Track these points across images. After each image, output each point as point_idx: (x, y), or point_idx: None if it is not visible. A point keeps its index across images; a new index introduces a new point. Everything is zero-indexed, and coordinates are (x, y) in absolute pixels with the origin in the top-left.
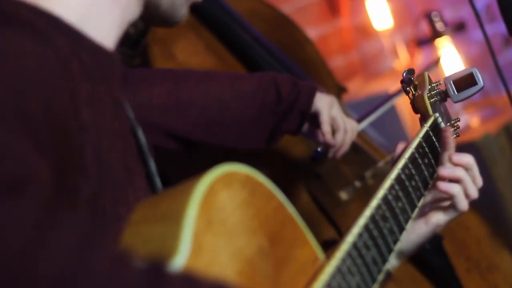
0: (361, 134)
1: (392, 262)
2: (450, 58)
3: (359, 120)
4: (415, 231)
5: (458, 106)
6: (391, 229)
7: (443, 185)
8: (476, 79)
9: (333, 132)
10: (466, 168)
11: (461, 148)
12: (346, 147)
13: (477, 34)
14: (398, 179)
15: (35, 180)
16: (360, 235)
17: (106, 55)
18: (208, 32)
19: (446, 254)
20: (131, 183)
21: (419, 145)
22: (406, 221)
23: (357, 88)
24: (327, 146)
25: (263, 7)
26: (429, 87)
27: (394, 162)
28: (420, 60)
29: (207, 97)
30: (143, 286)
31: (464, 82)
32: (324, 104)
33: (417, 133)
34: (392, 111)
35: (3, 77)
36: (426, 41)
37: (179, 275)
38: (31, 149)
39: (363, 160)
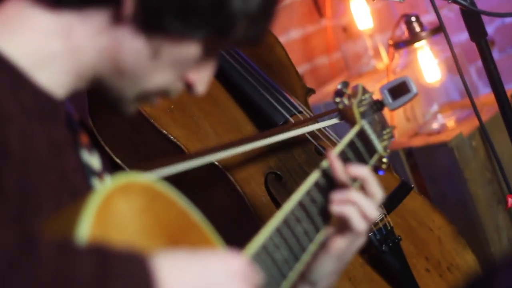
0: (326, 135)
1: None
2: (427, 61)
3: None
4: (319, 262)
5: (435, 107)
6: (305, 230)
7: (336, 208)
8: (409, 87)
9: None
10: (363, 180)
11: (435, 148)
12: None
13: (457, 37)
14: (316, 184)
15: None
16: (270, 237)
17: (50, 101)
18: None
19: (403, 255)
20: None
21: (342, 152)
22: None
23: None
24: None
25: None
26: (361, 97)
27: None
28: (398, 62)
29: None
30: (52, 260)
31: (399, 90)
32: None
33: (342, 140)
34: None
35: None
36: (403, 44)
37: (89, 246)
38: None
39: None
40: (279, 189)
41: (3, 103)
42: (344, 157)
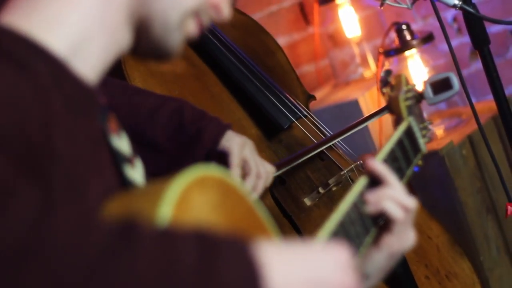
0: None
1: None
2: (417, 70)
3: (280, 165)
4: (372, 258)
5: (423, 115)
6: (357, 233)
7: (372, 208)
8: (452, 83)
9: (244, 175)
10: (380, 175)
11: (426, 156)
12: (257, 192)
13: (445, 46)
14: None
15: None
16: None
17: (88, 91)
18: None
19: (406, 260)
20: None
21: (392, 151)
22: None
23: (326, 95)
24: None
25: (236, 14)
26: (405, 89)
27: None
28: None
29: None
30: (110, 248)
31: (441, 85)
32: (235, 143)
33: (391, 136)
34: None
35: None
36: (393, 52)
37: (154, 232)
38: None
39: (328, 167)
40: (282, 192)
41: (49, 99)
42: (393, 156)
